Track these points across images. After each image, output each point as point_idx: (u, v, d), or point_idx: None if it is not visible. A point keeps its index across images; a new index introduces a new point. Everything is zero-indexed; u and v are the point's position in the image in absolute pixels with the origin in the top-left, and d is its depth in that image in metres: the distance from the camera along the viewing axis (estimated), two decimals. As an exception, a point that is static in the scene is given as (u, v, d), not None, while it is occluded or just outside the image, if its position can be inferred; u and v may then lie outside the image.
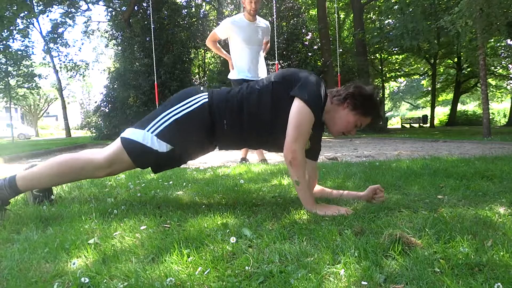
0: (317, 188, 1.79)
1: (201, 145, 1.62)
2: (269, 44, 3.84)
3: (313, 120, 1.50)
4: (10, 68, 16.18)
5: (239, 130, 1.57)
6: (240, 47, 3.57)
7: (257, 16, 3.61)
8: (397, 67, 23.39)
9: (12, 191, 1.53)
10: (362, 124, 1.63)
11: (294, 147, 1.46)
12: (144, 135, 1.51)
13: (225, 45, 4.31)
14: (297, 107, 1.48)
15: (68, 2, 17.99)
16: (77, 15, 19.98)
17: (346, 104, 1.58)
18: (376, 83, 21.24)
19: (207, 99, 1.55)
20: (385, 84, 25.03)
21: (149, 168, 1.67)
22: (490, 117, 11.23)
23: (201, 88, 1.62)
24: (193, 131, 1.54)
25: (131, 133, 1.55)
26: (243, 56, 3.58)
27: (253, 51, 3.57)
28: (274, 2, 9.52)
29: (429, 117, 23.98)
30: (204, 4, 19.95)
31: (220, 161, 4.35)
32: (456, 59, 20.55)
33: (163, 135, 1.50)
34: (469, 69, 19.43)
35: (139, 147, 1.51)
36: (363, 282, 0.84)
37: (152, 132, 1.51)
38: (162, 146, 1.51)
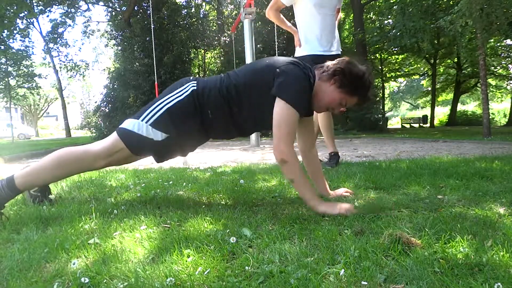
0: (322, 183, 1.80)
1: (194, 132, 1.61)
2: (341, 13, 3.16)
3: (298, 117, 1.46)
4: (10, 68, 16.18)
5: (222, 120, 1.57)
6: (310, 14, 2.95)
7: None
8: (397, 67, 23.38)
9: (10, 190, 1.52)
10: (347, 103, 1.57)
11: (281, 147, 1.44)
12: (139, 125, 1.54)
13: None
14: (280, 108, 1.44)
15: (68, 2, 17.99)
16: (77, 15, 19.99)
17: (333, 80, 1.51)
18: (376, 83, 21.23)
19: (195, 87, 1.56)
20: (385, 84, 25.01)
21: (151, 162, 1.68)
22: (490, 117, 11.23)
23: (191, 78, 1.63)
24: (184, 118, 1.54)
25: (127, 123, 1.58)
26: (313, 25, 2.95)
27: (325, 18, 2.93)
28: (274, 2, 9.50)
29: (429, 117, 23.98)
30: (204, 4, 19.95)
31: (220, 161, 4.35)
32: (456, 59, 20.56)
33: (157, 124, 1.53)
34: (469, 69, 19.43)
35: (134, 136, 1.54)
36: (363, 282, 0.84)
37: (146, 122, 1.54)
38: (157, 135, 1.53)
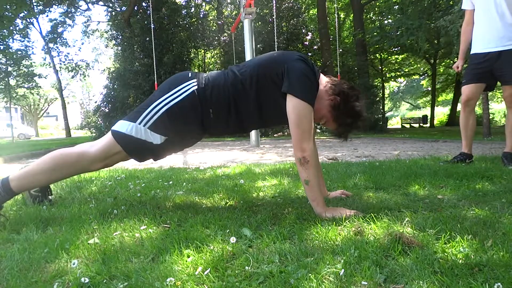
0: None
1: (194, 132, 1.58)
2: None
3: (312, 111, 1.43)
4: (10, 68, 16.18)
5: (224, 119, 1.52)
6: (476, 8, 2.83)
7: None
8: (397, 67, 23.38)
9: (5, 193, 1.48)
10: (326, 124, 1.56)
11: (303, 145, 1.40)
12: (136, 129, 1.47)
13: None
14: (293, 105, 1.40)
15: (67, 2, 17.99)
16: (77, 15, 20.02)
17: (333, 97, 1.49)
18: (376, 83, 21.24)
19: (196, 86, 1.48)
20: (385, 84, 25.01)
21: (148, 160, 1.63)
22: (490, 117, 11.26)
23: (189, 74, 1.54)
24: (185, 120, 1.49)
25: (123, 126, 1.49)
26: (479, 15, 2.81)
27: (487, 11, 2.74)
28: (274, 2, 9.52)
29: (429, 117, 23.99)
30: (204, 4, 19.95)
31: (220, 161, 4.35)
32: (456, 59, 20.54)
33: (156, 127, 1.47)
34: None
35: (133, 141, 1.47)
36: (363, 282, 0.84)
37: (144, 125, 1.46)
38: (156, 138, 1.48)
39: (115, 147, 1.49)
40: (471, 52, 2.89)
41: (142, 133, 1.47)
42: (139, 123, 1.47)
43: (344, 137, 1.59)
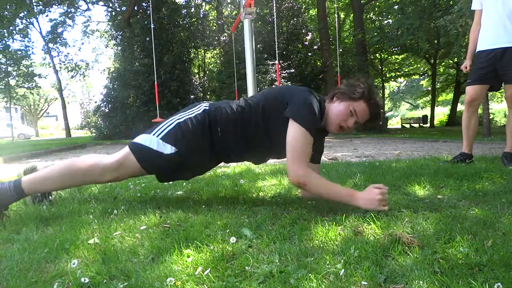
0: None
1: (203, 150, 1.63)
2: None
3: (311, 140, 1.48)
4: (10, 68, 16.18)
5: (232, 140, 1.61)
6: (484, 7, 2.81)
7: None
8: (397, 67, 23.37)
9: (16, 194, 1.52)
10: (356, 112, 1.55)
11: (297, 171, 1.44)
12: (150, 139, 1.58)
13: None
14: (293, 130, 1.47)
15: (67, 2, 17.98)
16: (77, 15, 20.01)
17: (336, 97, 1.61)
18: (376, 83, 21.24)
19: (207, 107, 1.65)
20: (385, 84, 25.01)
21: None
22: (490, 117, 11.27)
23: (204, 101, 1.72)
24: (194, 134, 1.58)
25: (139, 137, 1.62)
26: (487, 14, 2.77)
27: (497, 8, 2.69)
28: (274, 2, 9.52)
29: (429, 117, 23.99)
30: (204, 4, 19.95)
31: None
32: (456, 59, 20.55)
33: (167, 137, 1.57)
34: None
35: (145, 149, 1.56)
36: (363, 282, 0.84)
37: (157, 136, 1.58)
38: (166, 148, 1.55)
39: (128, 156, 1.58)
40: (477, 50, 2.88)
41: (154, 142, 1.57)
42: (153, 134, 1.60)
43: (377, 105, 1.61)
